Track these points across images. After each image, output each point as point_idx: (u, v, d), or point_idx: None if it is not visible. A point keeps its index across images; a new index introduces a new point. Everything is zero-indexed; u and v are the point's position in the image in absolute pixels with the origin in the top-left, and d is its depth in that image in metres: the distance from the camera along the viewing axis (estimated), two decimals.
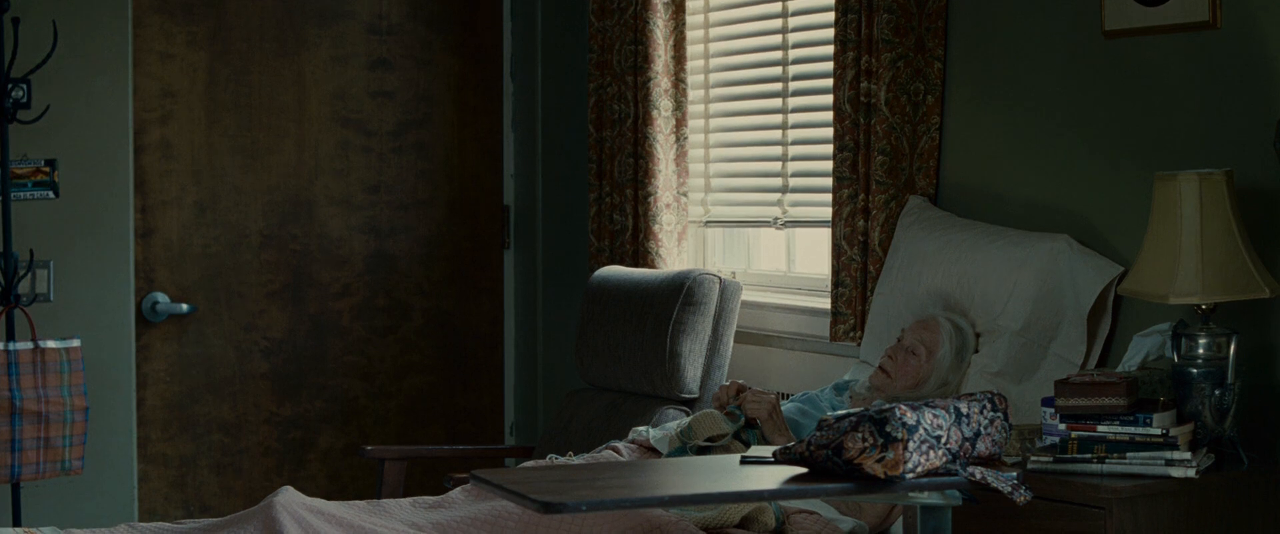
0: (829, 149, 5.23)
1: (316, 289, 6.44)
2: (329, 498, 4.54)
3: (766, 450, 3.73)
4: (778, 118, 5.66)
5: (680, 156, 5.92)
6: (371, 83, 6.48)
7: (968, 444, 3.55)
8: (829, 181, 5.23)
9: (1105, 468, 3.94)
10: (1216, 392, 4.01)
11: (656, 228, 5.88)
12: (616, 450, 4.78)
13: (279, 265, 6.39)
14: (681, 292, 5.48)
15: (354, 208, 6.48)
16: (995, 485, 3.54)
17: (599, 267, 6.00)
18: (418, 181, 6.54)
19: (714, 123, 6.00)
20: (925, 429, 3.47)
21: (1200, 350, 4.05)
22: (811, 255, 5.69)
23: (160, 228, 6.21)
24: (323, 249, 6.44)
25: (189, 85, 6.24)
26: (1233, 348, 4.03)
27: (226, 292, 6.31)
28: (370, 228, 6.50)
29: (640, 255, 5.90)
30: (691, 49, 5.98)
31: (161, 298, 6.20)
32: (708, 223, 6.03)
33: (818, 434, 3.52)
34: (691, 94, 5.97)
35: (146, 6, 6.14)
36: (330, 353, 6.46)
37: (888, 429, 3.43)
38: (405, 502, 4.46)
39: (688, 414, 5.33)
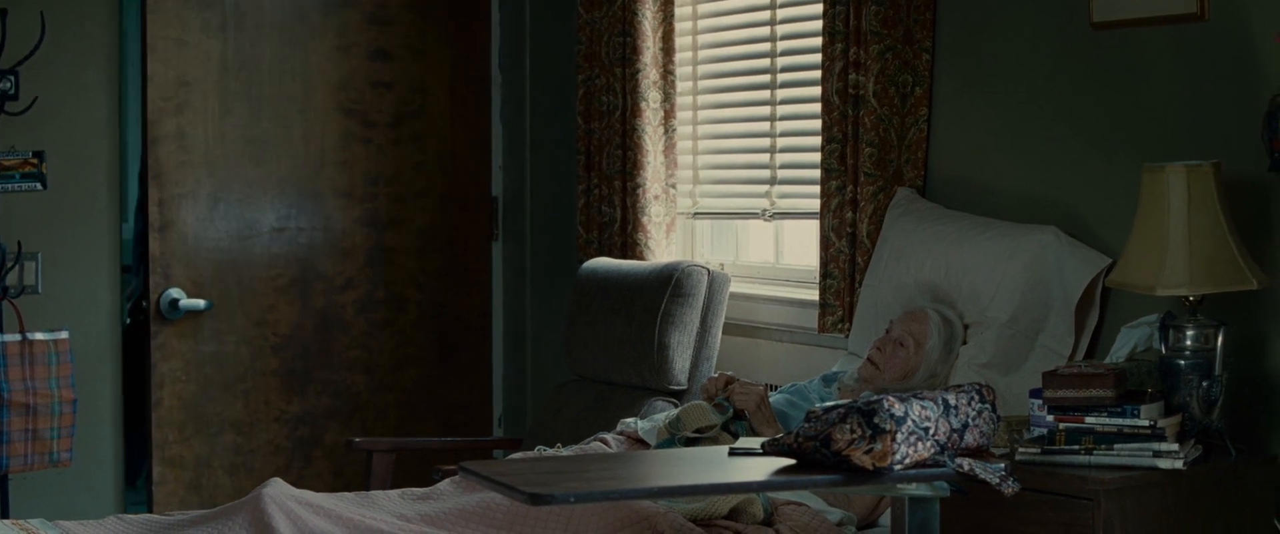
0: (817, 141, 5.23)
1: (323, 282, 6.35)
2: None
3: (755, 442, 3.73)
4: (766, 110, 5.66)
5: (669, 148, 5.93)
6: (372, 72, 6.40)
7: (956, 436, 3.55)
8: (817, 173, 5.23)
9: (1093, 459, 3.94)
10: (1204, 383, 4.02)
11: (645, 219, 5.88)
12: (605, 442, 4.78)
13: (288, 259, 6.29)
14: (670, 283, 5.48)
15: (356, 200, 6.39)
16: (983, 477, 3.54)
17: (587, 258, 6.00)
18: (414, 173, 6.48)
19: (702, 115, 6.00)
20: (913, 421, 3.47)
21: (1188, 342, 4.05)
22: (800, 247, 5.70)
23: (176, 221, 6.10)
24: (328, 241, 6.35)
25: (202, 73, 6.12)
26: (1220, 339, 4.03)
27: (239, 286, 6.21)
28: (371, 220, 6.42)
29: (629, 247, 5.90)
30: (680, 41, 5.98)
31: (180, 294, 6.09)
32: (696, 215, 6.04)
33: (806, 426, 3.52)
34: (680, 86, 5.97)
35: None
36: (335, 347, 6.38)
37: (876, 421, 3.43)
38: (394, 493, 4.46)
39: (676, 406, 5.33)
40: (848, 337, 5.12)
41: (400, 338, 6.50)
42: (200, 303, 6.11)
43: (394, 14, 6.42)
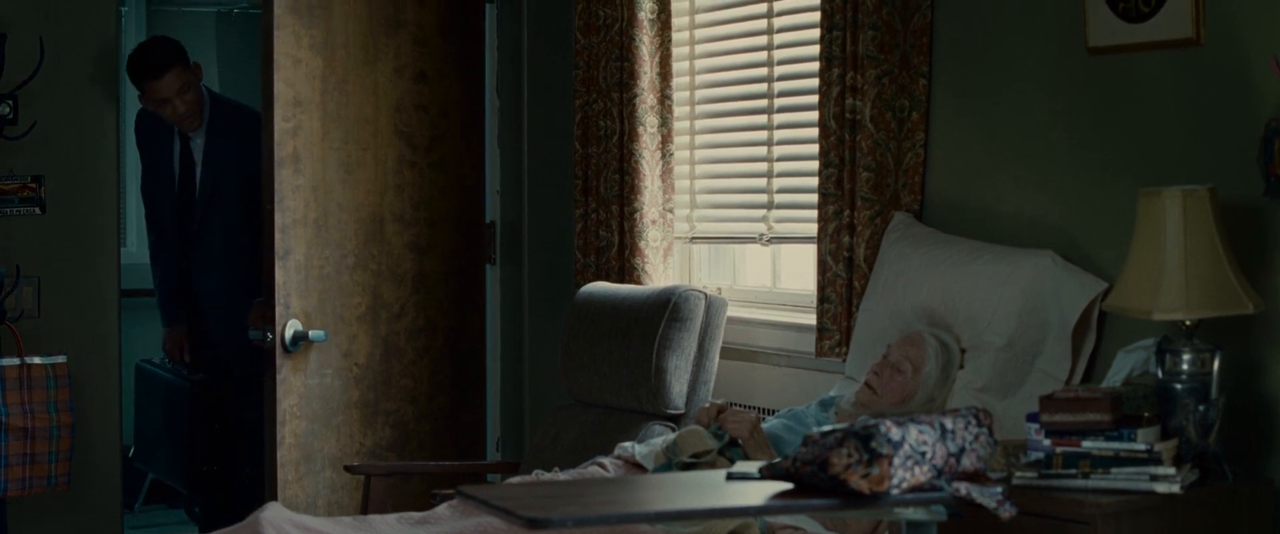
0: (814, 165, 5.24)
1: (386, 310, 6.21)
2: None
3: (752, 466, 3.73)
4: (763, 134, 5.66)
5: (666, 173, 5.93)
6: (416, 95, 6.28)
7: (953, 460, 3.55)
8: (814, 198, 5.24)
9: (1090, 483, 3.94)
10: (1200, 407, 4.02)
11: (642, 244, 5.88)
12: (602, 466, 4.78)
13: (364, 287, 6.15)
14: (667, 308, 5.49)
15: (406, 224, 6.27)
16: (980, 501, 3.54)
17: (585, 283, 6.00)
18: (441, 197, 6.39)
19: (699, 139, 6.01)
20: (910, 445, 3.47)
21: (1184, 366, 4.05)
22: (797, 271, 5.70)
23: (294, 250, 5.94)
24: (389, 268, 6.21)
25: (310, 93, 5.97)
26: (1217, 363, 4.04)
27: (334, 316, 6.04)
28: (415, 245, 6.29)
29: (626, 271, 5.91)
30: (677, 65, 5.99)
31: (301, 327, 5.92)
32: (693, 239, 6.04)
33: (803, 450, 3.52)
34: (677, 110, 5.98)
35: (286, 7, 5.89)
36: (394, 376, 6.23)
37: (873, 445, 3.43)
38: (391, 517, 4.46)
39: (674, 430, 5.34)
40: (845, 361, 5.13)
41: (435, 364, 6.37)
42: (321, 334, 5.95)
43: (428, 35, 6.31)
